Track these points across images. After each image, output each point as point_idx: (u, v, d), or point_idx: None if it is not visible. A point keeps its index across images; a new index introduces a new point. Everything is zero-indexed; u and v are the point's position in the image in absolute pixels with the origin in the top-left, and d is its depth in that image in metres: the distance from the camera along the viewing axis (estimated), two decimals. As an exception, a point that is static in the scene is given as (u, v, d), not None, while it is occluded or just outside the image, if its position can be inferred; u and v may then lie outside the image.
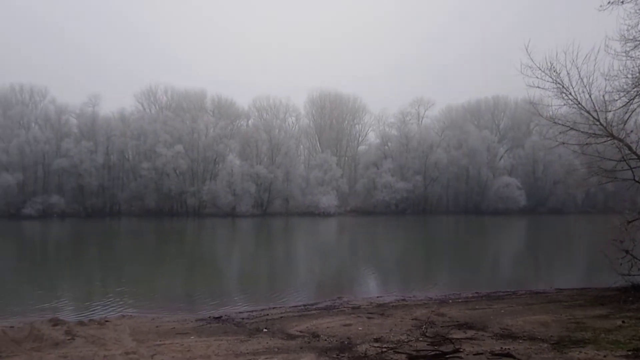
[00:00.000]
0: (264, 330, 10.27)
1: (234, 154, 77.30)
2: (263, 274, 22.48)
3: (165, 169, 72.46)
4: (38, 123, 77.41)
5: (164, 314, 12.99)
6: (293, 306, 13.61)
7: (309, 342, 9.01)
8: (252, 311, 12.93)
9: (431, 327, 10.08)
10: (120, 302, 15.07)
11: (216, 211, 71.47)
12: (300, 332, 9.88)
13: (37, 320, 12.03)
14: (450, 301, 14.18)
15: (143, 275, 21.49)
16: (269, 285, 19.07)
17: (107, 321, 11.52)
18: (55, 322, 11.61)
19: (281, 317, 11.75)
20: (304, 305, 13.66)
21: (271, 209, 75.49)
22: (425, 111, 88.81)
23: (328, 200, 71.71)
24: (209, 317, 12.23)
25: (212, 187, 72.51)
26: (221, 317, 12.13)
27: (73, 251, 32.74)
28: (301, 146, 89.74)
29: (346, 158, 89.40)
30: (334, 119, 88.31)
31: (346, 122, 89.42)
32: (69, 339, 9.83)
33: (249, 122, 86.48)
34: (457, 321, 10.84)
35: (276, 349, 8.47)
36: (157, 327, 10.90)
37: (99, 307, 14.55)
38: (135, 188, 74.50)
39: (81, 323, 11.47)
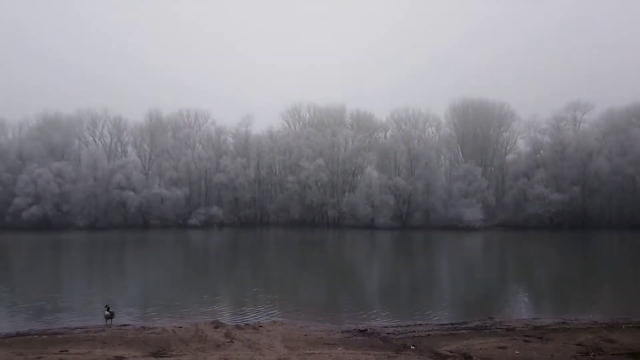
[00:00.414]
0: (412, 347, 9.93)
1: (372, 166, 77.94)
2: (405, 288, 22.06)
3: (308, 181, 76.08)
4: (201, 143, 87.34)
5: (310, 322, 13.37)
6: (440, 324, 12.99)
7: (461, 364, 8.46)
8: (397, 326, 12.64)
9: (599, 354, 8.79)
10: (270, 308, 15.95)
11: (355, 223, 72.60)
12: (451, 352, 9.34)
13: (201, 322, 13.20)
14: (622, 326, 12.27)
15: (290, 283, 22.58)
16: (412, 300, 18.60)
17: (260, 326, 12.23)
18: (217, 325, 12.66)
19: (428, 334, 11.28)
20: (452, 324, 12.96)
21: (411, 222, 74.22)
22: (582, 115, 79.66)
23: (472, 213, 68.10)
24: (354, 329, 12.25)
25: (351, 199, 73.95)
26: (366, 330, 12.07)
27: (229, 259, 35.88)
28: (442, 157, 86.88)
29: (492, 168, 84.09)
30: (478, 127, 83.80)
31: (492, 130, 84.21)
32: (228, 342, 10.60)
33: (387, 134, 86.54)
34: (631, 349, 9.31)
35: (426, 369, 8.10)
36: (305, 335, 11.23)
37: (251, 312, 15.56)
38: (281, 200, 79.53)
39: (238, 327, 12.33)
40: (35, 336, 11.26)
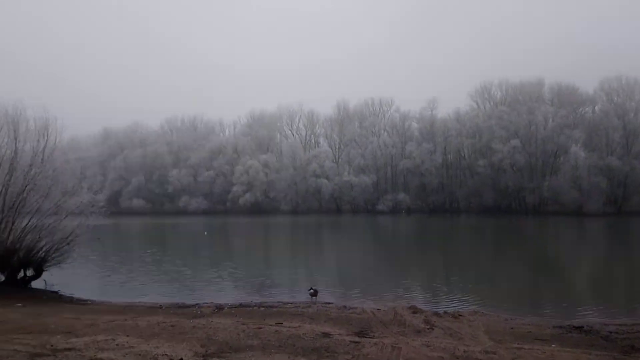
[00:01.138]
0: (647, 352, 8.38)
1: (579, 145, 68.68)
2: (622, 282, 18.83)
3: (501, 165, 71.07)
4: (386, 130, 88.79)
5: (515, 315, 12.37)
6: (683, 329, 10.69)
7: None
8: (621, 325, 10.85)
9: None
10: (465, 297, 15.25)
11: (559, 209, 65.17)
12: None
13: (398, 305, 13.30)
14: None
15: (486, 272, 21.33)
16: (631, 296, 15.69)
17: (460, 315, 11.77)
18: (414, 310, 12.61)
19: (669, 340, 9.37)
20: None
21: (629, 207, 63.54)
22: None
23: None
24: (568, 325, 10.91)
25: (553, 183, 66.61)
26: (583, 327, 10.64)
27: (420, 244, 35.76)
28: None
29: None
30: None
31: None
32: (428, 328, 10.45)
33: (596, 108, 75.32)
34: None
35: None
36: (511, 328, 10.42)
37: (446, 299, 15.12)
38: (472, 185, 76.00)
39: (436, 314, 12.08)
40: (255, 308, 12.79)
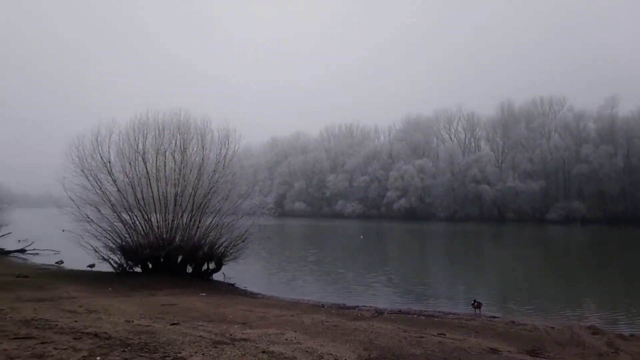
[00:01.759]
0: None
1: None
2: None
3: None
4: (557, 131, 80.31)
5: None
6: None
7: None
8: None
9: None
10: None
11: None
12: None
13: (575, 325, 11.86)
14: None
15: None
16: None
17: (656, 343, 9.97)
18: (594, 331, 11.09)
19: None
20: None
21: None
22: None
23: None
24: None
25: None
26: None
27: (597, 258, 31.37)
28: None
29: None
30: None
31: None
32: (612, 352, 9.08)
33: None
34: None
35: None
36: None
37: (630, 321, 12.99)
38: (667, 194, 64.48)
39: (621, 337, 10.46)
40: (415, 316, 12.51)
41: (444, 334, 9.81)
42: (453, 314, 12.99)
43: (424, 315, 12.53)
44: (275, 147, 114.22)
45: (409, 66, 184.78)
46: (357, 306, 13.68)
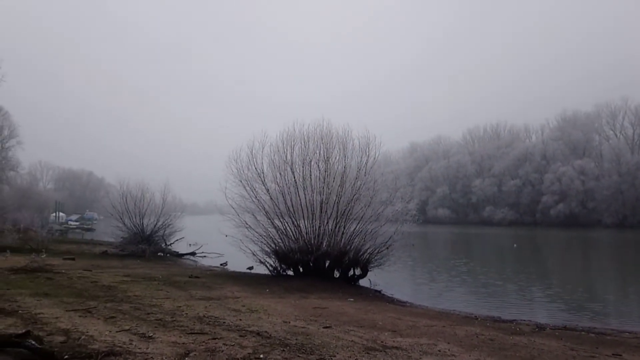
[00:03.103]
0: None
1: None
2: None
3: None
4: None
5: None
6: None
7: None
8: None
9: None
10: None
11: None
12: None
13: None
14: None
15: None
16: None
17: None
18: None
19: None
20: None
21: None
22: None
23: None
24: None
25: None
26: None
27: None
28: None
29: None
30: None
31: None
32: None
33: None
34: None
35: None
36: None
37: None
38: None
39: None
40: (583, 333, 11.16)
41: (620, 355, 8.57)
42: (629, 333, 11.31)
43: (593, 333, 11.12)
44: (415, 152, 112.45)
45: (560, 57, 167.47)
46: (514, 320, 12.66)
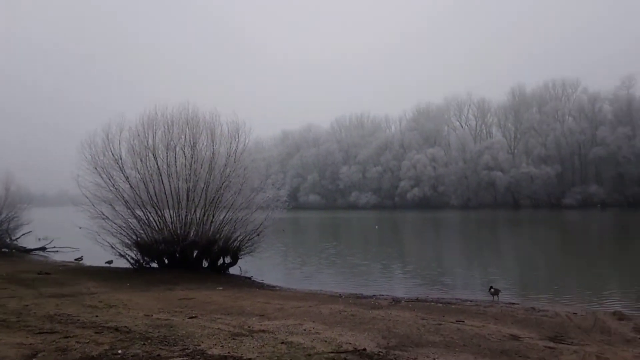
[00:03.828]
0: None
1: None
2: None
3: None
4: (572, 115, 78.96)
5: None
6: None
7: None
8: None
9: None
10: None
11: None
12: None
13: (599, 310, 11.66)
14: None
15: None
16: None
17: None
18: (620, 317, 10.88)
19: None
20: None
21: None
22: None
23: None
24: None
25: None
26: None
27: (619, 242, 30.89)
28: None
29: None
30: None
31: None
32: (639, 337, 8.91)
33: None
34: None
35: None
36: None
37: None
38: (687, 174, 63.16)
39: (651, 320, 10.26)
40: (432, 303, 12.42)
41: (463, 321, 9.71)
42: (471, 301, 12.86)
43: (441, 303, 12.42)
44: (287, 140, 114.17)
45: (419, 57, 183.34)
46: (374, 295, 13.61)
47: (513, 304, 12.70)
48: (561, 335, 9.04)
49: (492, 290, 13.40)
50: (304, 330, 8.27)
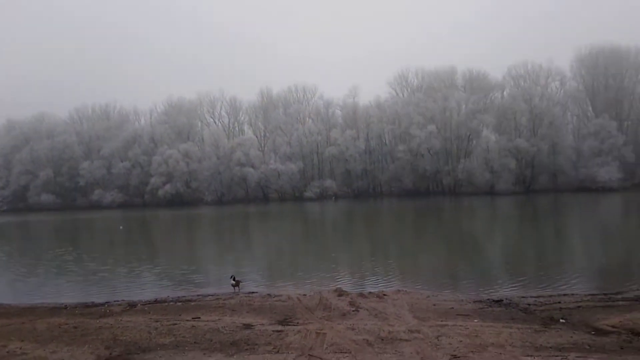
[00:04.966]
0: (561, 320, 8.75)
1: (489, 129, 72.94)
2: (532, 255, 19.89)
3: (419, 149, 73.60)
4: (311, 117, 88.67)
5: (437, 292, 12.59)
6: (590, 294, 11.41)
7: (630, 342, 7.17)
8: (537, 297, 11.34)
9: None
10: (390, 277, 15.45)
11: (473, 190, 69.08)
12: (613, 327, 8.01)
13: (325, 290, 13.08)
14: None
15: (408, 252, 21.88)
16: (543, 269, 16.33)
17: (384, 295, 11.76)
18: (340, 293, 12.45)
19: (578, 306, 9.91)
20: (605, 294, 11.30)
21: (536, 186, 68.81)
22: None
23: (608, 173, 61.18)
24: (488, 299, 11.25)
25: (467, 165, 70.40)
26: (502, 300, 11.01)
27: (346, 229, 36.12)
28: (568, 113, 78.50)
29: (629, 122, 74.39)
30: (610, 77, 74.09)
31: (627, 79, 74.09)
32: (353, 311, 10.29)
33: (505, 92, 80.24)
34: None
35: (587, 346, 6.96)
36: (434, 305, 10.52)
37: (371, 280, 15.21)
38: (393, 170, 78.13)
39: (362, 295, 11.99)
40: (171, 303, 11.97)
41: (199, 317, 9.60)
42: (212, 295, 12.88)
43: (180, 302, 12.08)
44: (13, 131, 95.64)
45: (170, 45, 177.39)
46: (107, 302, 12.35)
47: (252, 292, 13.25)
48: (290, 317, 9.76)
49: (233, 281, 13.67)
50: (7, 352, 6.84)
